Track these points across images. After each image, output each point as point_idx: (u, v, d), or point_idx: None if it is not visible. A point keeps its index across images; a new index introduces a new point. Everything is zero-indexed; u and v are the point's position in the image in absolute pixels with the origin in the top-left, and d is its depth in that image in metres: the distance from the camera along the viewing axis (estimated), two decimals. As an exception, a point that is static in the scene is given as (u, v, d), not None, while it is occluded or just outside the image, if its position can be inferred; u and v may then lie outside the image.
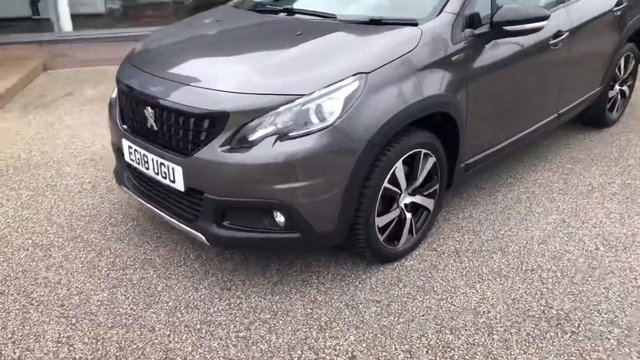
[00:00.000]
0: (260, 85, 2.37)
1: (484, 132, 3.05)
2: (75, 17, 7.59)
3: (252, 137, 2.32)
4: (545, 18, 2.77)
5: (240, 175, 2.33)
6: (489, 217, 3.23)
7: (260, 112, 2.31)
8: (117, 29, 7.48)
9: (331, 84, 2.34)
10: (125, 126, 2.83)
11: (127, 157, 2.84)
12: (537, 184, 3.60)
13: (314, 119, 2.32)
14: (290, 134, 2.30)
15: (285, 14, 3.09)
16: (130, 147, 2.77)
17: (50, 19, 7.28)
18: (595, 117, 4.25)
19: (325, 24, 2.87)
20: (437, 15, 2.71)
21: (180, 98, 2.45)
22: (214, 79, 2.46)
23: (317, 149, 2.29)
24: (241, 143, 2.33)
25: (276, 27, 3.02)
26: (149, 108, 2.58)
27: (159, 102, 2.52)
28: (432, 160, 2.76)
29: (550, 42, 3.25)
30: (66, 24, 7.37)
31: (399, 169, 2.58)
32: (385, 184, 2.55)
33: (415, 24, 2.66)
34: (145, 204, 2.80)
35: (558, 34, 3.29)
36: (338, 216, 2.45)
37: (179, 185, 2.52)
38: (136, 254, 2.95)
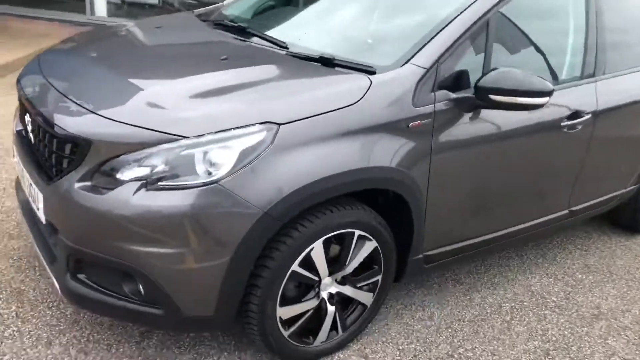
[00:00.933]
0: (139, 115, 1.84)
1: (452, 220, 2.35)
2: (128, 5, 7.46)
3: (116, 177, 1.78)
4: (547, 94, 2.10)
5: (92, 223, 1.80)
6: (453, 325, 2.50)
7: (130, 147, 1.78)
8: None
9: (226, 129, 1.77)
10: (19, 129, 2.37)
11: (16, 166, 2.39)
12: (529, 292, 2.81)
13: (198, 169, 1.76)
14: (161, 183, 1.75)
15: (239, 33, 2.53)
16: (16, 156, 2.32)
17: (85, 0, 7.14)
18: (626, 219, 3.41)
19: (264, 53, 2.31)
20: (401, 67, 2.08)
21: (52, 112, 1.98)
22: (94, 99, 1.97)
23: (190, 209, 1.72)
24: (101, 182, 1.81)
25: (207, 48, 2.49)
26: (28, 116, 2.15)
27: (35, 112, 2.07)
28: (371, 245, 2.11)
29: (564, 124, 2.50)
30: (100, 9, 7.25)
31: (317, 250, 1.96)
32: (295, 267, 1.94)
33: (373, 72, 2.04)
34: (25, 223, 2.32)
35: (576, 114, 2.53)
36: (217, 299, 1.85)
37: (42, 215, 2.03)
38: (12, 281, 2.48)
